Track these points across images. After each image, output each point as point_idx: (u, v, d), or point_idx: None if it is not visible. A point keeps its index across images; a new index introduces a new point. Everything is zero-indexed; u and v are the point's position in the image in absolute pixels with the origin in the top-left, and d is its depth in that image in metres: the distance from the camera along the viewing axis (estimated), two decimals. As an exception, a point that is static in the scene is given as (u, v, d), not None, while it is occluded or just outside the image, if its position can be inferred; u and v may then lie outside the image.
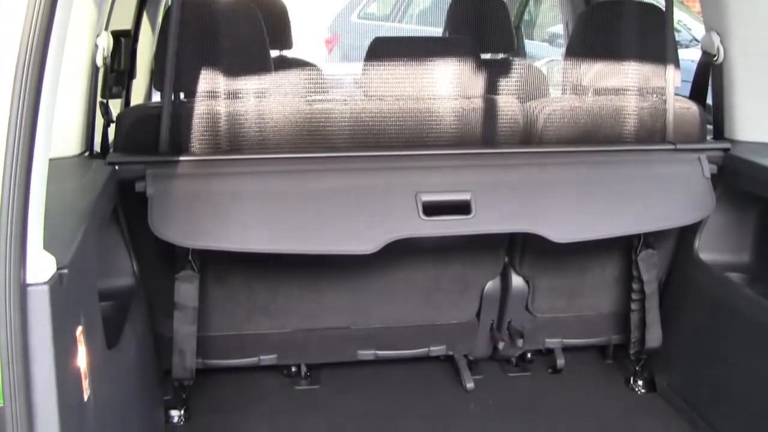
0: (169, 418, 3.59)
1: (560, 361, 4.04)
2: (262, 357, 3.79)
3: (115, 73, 3.62)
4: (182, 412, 3.62)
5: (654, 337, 3.78)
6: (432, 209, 3.12)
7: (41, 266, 1.84)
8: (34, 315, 1.81)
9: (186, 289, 3.37)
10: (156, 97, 3.86)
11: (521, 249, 3.70)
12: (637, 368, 3.97)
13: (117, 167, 3.07)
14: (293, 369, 3.95)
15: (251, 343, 3.73)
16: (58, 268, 1.90)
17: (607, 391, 3.96)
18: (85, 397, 2.10)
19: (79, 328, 2.08)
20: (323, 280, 3.60)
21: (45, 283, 1.82)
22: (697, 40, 8.97)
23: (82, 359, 2.08)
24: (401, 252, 3.52)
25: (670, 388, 3.80)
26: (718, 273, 3.52)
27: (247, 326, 3.67)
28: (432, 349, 3.92)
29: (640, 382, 3.97)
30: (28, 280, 1.80)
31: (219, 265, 3.48)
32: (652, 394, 3.91)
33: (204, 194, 3.07)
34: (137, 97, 5.06)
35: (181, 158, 3.11)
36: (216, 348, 3.70)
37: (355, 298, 3.67)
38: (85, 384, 2.10)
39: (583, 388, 3.96)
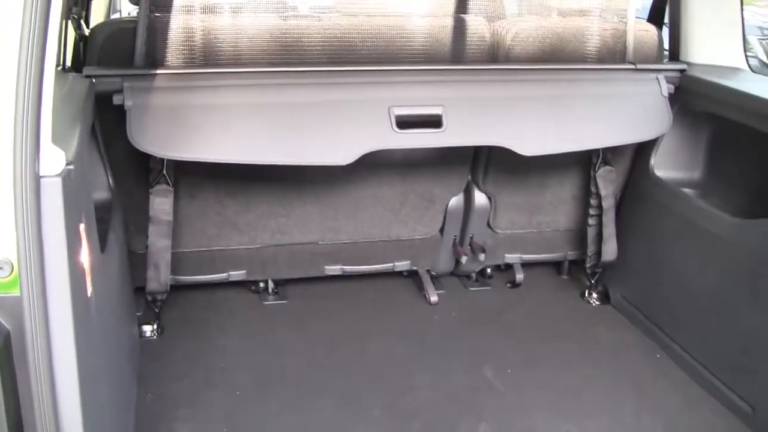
0: (142, 333, 3.66)
1: (519, 276, 4.20)
2: (231, 273, 3.87)
3: None
4: (155, 326, 3.69)
5: (610, 251, 3.96)
6: (405, 123, 3.21)
7: (53, 160, 1.89)
8: (47, 206, 1.86)
9: (160, 203, 3.43)
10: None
11: (484, 166, 3.82)
12: (592, 282, 4.15)
13: (94, 80, 3.08)
14: (261, 285, 4.04)
15: (221, 258, 3.81)
16: (66, 163, 1.95)
17: (563, 303, 4.14)
18: (89, 293, 2.17)
19: (82, 226, 2.14)
20: (293, 196, 3.68)
21: (57, 175, 1.88)
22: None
23: (85, 256, 2.14)
24: (370, 169, 3.62)
25: (624, 299, 3.98)
26: (673, 188, 3.68)
27: (218, 242, 3.74)
28: (397, 264, 4.04)
29: (594, 295, 4.16)
30: (42, 173, 1.86)
31: (191, 181, 3.53)
32: (607, 306, 4.10)
33: (181, 107, 3.11)
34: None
35: (158, 71, 3.14)
36: (186, 264, 3.77)
37: (325, 214, 3.76)
38: (88, 280, 2.17)
39: (540, 302, 4.13)
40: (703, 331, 3.41)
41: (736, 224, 3.26)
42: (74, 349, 1.93)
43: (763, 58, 10.30)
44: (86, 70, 3.10)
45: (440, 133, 3.24)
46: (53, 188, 1.87)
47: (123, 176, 3.36)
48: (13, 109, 1.78)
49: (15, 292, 1.84)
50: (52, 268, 1.89)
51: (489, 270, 4.29)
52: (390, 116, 3.20)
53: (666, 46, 3.89)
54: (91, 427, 2.05)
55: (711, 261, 3.36)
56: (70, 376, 1.93)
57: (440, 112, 3.25)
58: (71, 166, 1.99)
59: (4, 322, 1.86)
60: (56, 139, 1.94)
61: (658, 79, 3.59)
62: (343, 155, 3.17)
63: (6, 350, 1.85)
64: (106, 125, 3.15)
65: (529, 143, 3.34)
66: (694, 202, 3.55)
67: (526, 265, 4.27)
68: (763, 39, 10.49)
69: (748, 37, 10.70)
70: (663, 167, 3.80)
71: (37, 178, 1.83)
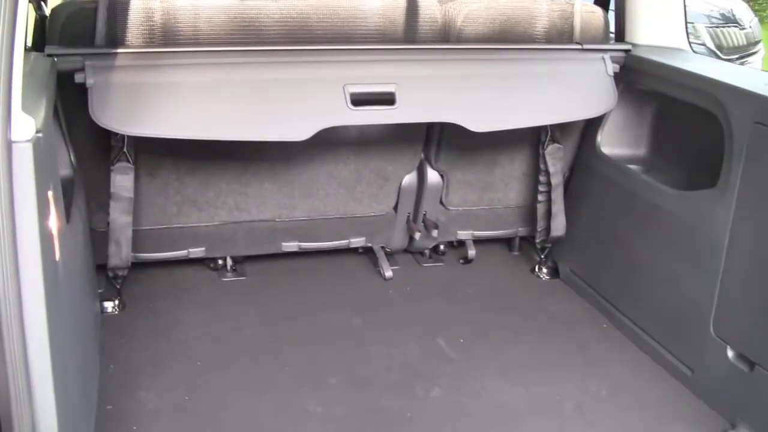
0: (103, 309, 3.73)
1: (471, 252, 4.33)
2: (191, 250, 3.95)
3: None
4: (116, 302, 3.76)
5: (559, 226, 4.10)
6: (359, 100, 3.32)
7: (23, 127, 1.97)
8: (18, 169, 1.93)
9: (121, 180, 3.51)
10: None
11: (437, 144, 3.94)
12: (542, 257, 4.29)
13: (56, 59, 3.15)
14: (220, 262, 4.12)
15: (181, 236, 3.89)
16: (36, 131, 2.03)
17: (514, 278, 4.27)
18: (57, 257, 2.25)
19: (50, 193, 2.22)
20: (250, 174, 3.77)
21: (28, 141, 1.96)
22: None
23: (53, 222, 2.22)
24: (325, 147, 3.73)
25: (573, 272, 4.12)
26: (618, 164, 3.83)
27: (177, 219, 3.82)
28: (352, 240, 4.15)
29: (544, 270, 4.30)
30: (13, 138, 1.93)
31: (151, 159, 3.61)
32: (556, 280, 4.24)
33: (141, 85, 3.19)
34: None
35: (119, 50, 3.21)
36: (147, 241, 3.84)
37: (281, 191, 3.85)
38: (56, 245, 2.25)
39: (491, 277, 4.26)
40: (645, 300, 3.57)
41: (675, 196, 3.41)
42: (44, 309, 2.01)
43: (711, 45, 10.53)
44: (48, 49, 3.17)
45: (393, 110, 3.35)
46: (24, 153, 1.94)
47: (85, 155, 3.43)
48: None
49: None
50: (23, 229, 1.96)
51: (442, 246, 4.42)
52: (345, 94, 3.30)
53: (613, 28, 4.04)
54: (60, 386, 2.13)
55: (652, 232, 3.51)
56: (41, 334, 2.01)
57: (393, 90, 3.35)
58: (40, 134, 2.07)
59: None
60: (25, 110, 2.02)
61: (603, 59, 3.73)
62: (299, 131, 3.27)
63: None
64: (67, 104, 3.22)
65: (479, 120, 3.46)
66: (638, 177, 3.70)
67: (478, 241, 4.39)
68: (710, 27, 10.72)
69: (696, 25, 10.97)
70: (609, 144, 3.94)
71: (8, 144, 1.91)
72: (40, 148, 2.04)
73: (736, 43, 10.64)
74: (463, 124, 3.43)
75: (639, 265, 3.60)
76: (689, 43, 3.94)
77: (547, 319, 3.85)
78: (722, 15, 10.90)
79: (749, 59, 10.73)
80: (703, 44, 10.24)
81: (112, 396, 3.09)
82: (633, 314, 3.63)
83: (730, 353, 3.07)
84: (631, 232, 3.67)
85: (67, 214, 2.82)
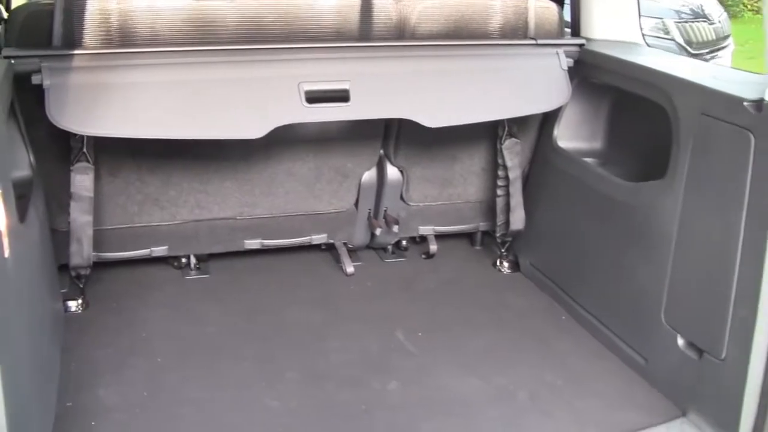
0: (67, 308, 3.75)
1: (433, 247, 4.38)
2: (153, 249, 3.98)
3: None
4: (79, 302, 3.79)
5: (518, 219, 4.15)
6: (314, 98, 3.36)
7: None
8: None
9: (81, 180, 3.53)
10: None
11: (395, 141, 3.99)
12: (503, 251, 4.34)
13: (12, 61, 3.18)
14: (183, 260, 4.15)
15: (143, 235, 3.92)
16: None
17: (475, 272, 4.32)
18: (6, 254, 2.28)
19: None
20: (211, 172, 3.81)
21: None
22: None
23: (2, 220, 2.25)
24: (284, 143, 3.77)
25: (533, 266, 4.18)
26: (574, 157, 3.88)
27: (140, 218, 3.85)
28: (314, 237, 4.19)
29: (505, 264, 4.35)
30: None
31: (112, 158, 3.64)
32: (517, 274, 4.30)
33: (98, 85, 3.21)
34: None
35: (76, 52, 3.24)
36: (110, 241, 3.87)
37: (242, 189, 3.89)
38: (5, 243, 2.28)
39: (453, 271, 4.31)
40: (601, 291, 3.62)
41: (626, 187, 3.47)
42: None
43: (680, 40, 10.60)
44: (5, 51, 3.19)
45: (347, 107, 3.39)
46: None
47: (45, 156, 3.46)
48: None
49: None
50: None
51: (404, 242, 4.46)
52: (299, 92, 3.34)
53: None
54: (10, 383, 2.16)
55: (607, 224, 3.56)
56: None
57: (347, 87, 3.39)
58: None
59: None
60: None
61: (558, 53, 3.78)
62: (254, 130, 3.30)
63: None
64: (26, 106, 3.25)
65: (433, 115, 3.51)
66: (592, 169, 3.76)
67: (440, 236, 4.44)
68: (679, 22, 10.80)
69: (665, 20, 11.04)
70: (566, 138, 3.99)
71: None
72: None
73: (705, 38, 10.74)
74: (417, 120, 3.47)
75: (594, 256, 3.66)
76: (643, 37, 3.99)
77: (506, 312, 3.90)
78: (691, 10, 11.00)
79: (719, 53, 10.83)
80: (673, 39, 10.33)
81: (72, 393, 3.12)
82: (590, 306, 3.69)
83: (680, 341, 3.13)
84: (586, 224, 3.72)
85: (23, 213, 2.85)
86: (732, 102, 2.82)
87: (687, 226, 3.08)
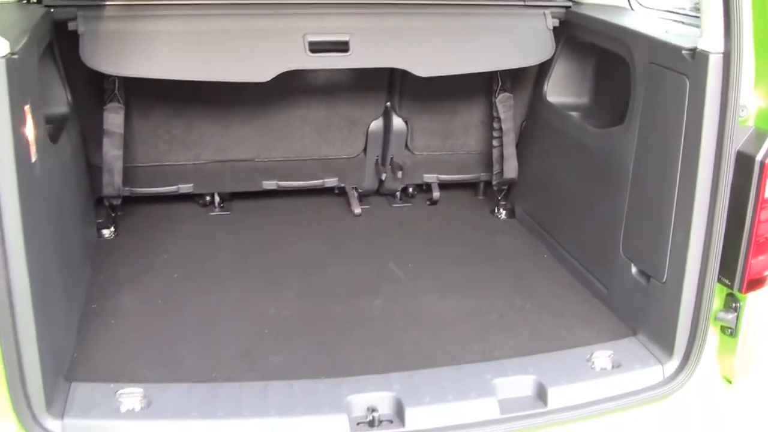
0: (100, 235, 4.25)
1: (436, 194, 4.78)
2: (180, 186, 4.46)
3: None
4: (112, 229, 4.28)
5: (511, 168, 4.53)
6: (316, 48, 3.78)
7: None
8: None
9: (113, 118, 4.01)
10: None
11: (399, 93, 4.40)
12: (500, 199, 4.72)
13: (52, 9, 3.64)
14: (208, 198, 4.63)
15: (171, 173, 4.40)
16: (10, 52, 2.51)
17: (473, 218, 4.73)
18: (33, 159, 2.74)
19: (27, 106, 2.70)
20: (232, 116, 4.26)
21: (2, 57, 2.44)
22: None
23: (29, 129, 2.71)
24: (297, 92, 4.20)
25: (525, 212, 4.56)
26: (560, 110, 4.25)
27: (168, 157, 4.33)
28: (326, 180, 4.63)
29: (502, 211, 4.74)
30: None
31: (142, 102, 4.12)
32: (512, 220, 4.69)
33: (126, 32, 3.67)
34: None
35: (107, 2, 3.70)
36: (141, 177, 4.36)
37: (260, 132, 4.34)
38: (32, 149, 2.74)
39: (453, 216, 4.73)
40: (574, 230, 4.01)
41: (596, 134, 3.85)
42: (17, 195, 2.49)
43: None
44: (46, 1, 3.67)
45: (347, 57, 3.81)
46: None
47: (81, 96, 3.93)
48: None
49: None
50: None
51: (411, 189, 4.87)
52: (304, 42, 3.76)
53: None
54: (37, 268, 2.61)
55: (580, 168, 3.93)
56: (13, 213, 2.50)
57: (347, 39, 3.80)
58: (15, 56, 2.55)
59: None
60: (5, 37, 2.50)
61: (545, 14, 4.13)
62: (263, 73, 3.73)
63: None
64: (65, 51, 3.72)
65: (425, 66, 3.90)
66: (570, 119, 4.14)
67: (445, 186, 4.84)
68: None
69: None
70: (555, 94, 4.36)
71: None
72: (14, 65, 2.52)
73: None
74: (409, 69, 3.87)
75: (570, 199, 4.04)
76: (629, 1, 4.32)
77: (493, 250, 4.29)
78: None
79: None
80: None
81: (97, 299, 3.60)
82: (565, 242, 4.07)
83: (633, 270, 3.48)
84: (565, 169, 4.10)
85: (55, 136, 3.32)
86: (673, 51, 3.17)
87: (639, 165, 3.44)
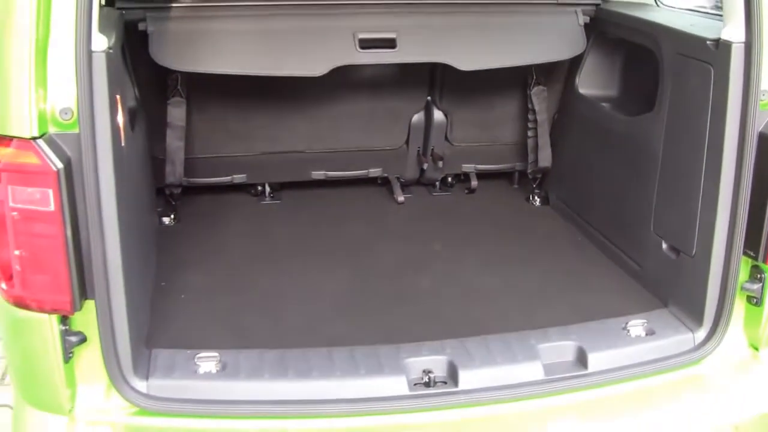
0: (161, 222, 4.56)
1: (474, 183, 5.07)
2: (234, 176, 4.76)
3: None
4: (172, 216, 4.60)
5: (545, 157, 4.81)
6: (366, 45, 4.07)
7: (99, 42, 2.73)
8: (96, 72, 2.68)
9: (176, 112, 4.33)
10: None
11: (440, 87, 4.69)
12: (534, 187, 5.01)
13: (124, 12, 3.95)
14: (259, 188, 4.93)
15: (226, 164, 4.71)
16: (108, 47, 2.81)
17: (509, 205, 5.02)
18: (122, 143, 3.04)
19: (118, 96, 3.00)
20: (285, 109, 4.56)
21: (103, 51, 2.73)
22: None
23: (120, 117, 3.01)
24: (344, 87, 4.49)
25: (559, 199, 4.84)
26: (592, 101, 4.53)
27: (224, 149, 4.64)
28: (371, 170, 4.93)
29: (537, 199, 5.02)
30: (93, 49, 2.70)
31: (201, 95, 4.42)
32: (546, 207, 4.97)
33: (191, 31, 3.98)
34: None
35: (174, 4, 4.01)
36: (199, 168, 4.66)
37: (310, 125, 4.64)
38: (122, 134, 3.04)
39: (491, 203, 5.02)
40: (608, 212, 4.28)
41: (627, 121, 4.12)
42: (112, 171, 2.78)
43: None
44: (118, 3, 3.97)
45: (394, 52, 4.10)
46: (100, 60, 2.70)
47: (147, 92, 4.23)
48: (74, 9, 2.62)
49: (75, 130, 2.66)
50: (99, 116, 2.73)
51: (450, 179, 5.16)
52: (354, 39, 4.05)
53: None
54: (124, 245, 2.89)
55: (611, 154, 4.21)
56: (110, 191, 2.79)
57: (394, 36, 4.09)
58: (111, 51, 2.85)
59: (67, 151, 2.67)
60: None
61: (576, 11, 4.41)
62: (317, 68, 4.02)
63: (68, 168, 2.67)
64: (133, 49, 4.02)
65: (466, 61, 4.18)
66: (601, 108, 4.42)
67: (482, 176, 5.13)
68: None
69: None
70: (586, 86, 4.63)
71: (90, 53, 2.68)
72: (111, 58, 2.82)
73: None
74: (452, 64, 4.15)
75: (602, 184, 4.31)
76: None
77: (529, 234, 4.57)
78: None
79: None
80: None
81: (165, 277, 3.90)
82: (599, 225, 4.34)
83: (664, 246, 3.74)
84: (598, 157, 4.37)
85: (131, 124, 3.63)
86: (698, 42, 3.44)
87: (668, 149, 3.71)
